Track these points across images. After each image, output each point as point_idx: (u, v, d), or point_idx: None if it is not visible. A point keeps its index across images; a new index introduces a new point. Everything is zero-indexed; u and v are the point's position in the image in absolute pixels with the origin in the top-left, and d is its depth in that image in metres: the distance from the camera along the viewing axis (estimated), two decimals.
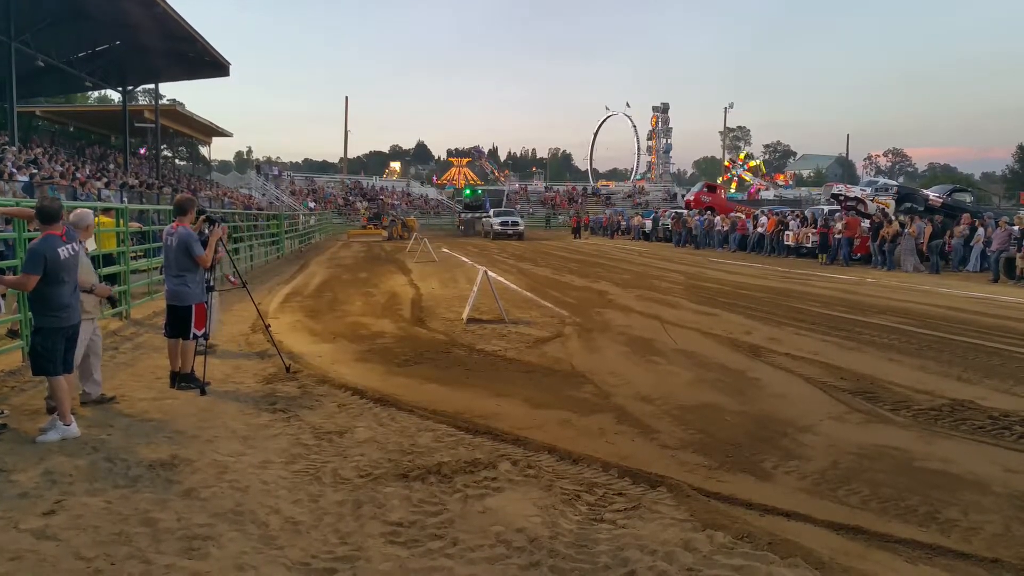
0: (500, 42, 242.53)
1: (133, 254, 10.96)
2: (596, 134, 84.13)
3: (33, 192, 16.76)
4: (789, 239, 25.23)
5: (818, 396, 6.35)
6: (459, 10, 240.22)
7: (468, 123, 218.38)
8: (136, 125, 37.45)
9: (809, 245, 24.00)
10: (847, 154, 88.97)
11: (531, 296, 12.80)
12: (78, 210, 6.44)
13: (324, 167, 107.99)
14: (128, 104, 37.42)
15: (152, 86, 37.75)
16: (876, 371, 7.20)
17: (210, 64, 33.00)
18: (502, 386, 6.63)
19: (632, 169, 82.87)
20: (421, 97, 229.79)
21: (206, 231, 7.04)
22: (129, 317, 9.78)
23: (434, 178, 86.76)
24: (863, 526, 3.74)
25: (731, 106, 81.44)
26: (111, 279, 9.41)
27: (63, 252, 5.02)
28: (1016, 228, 17.46)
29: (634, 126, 79.08)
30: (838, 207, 25.46)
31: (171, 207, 7.59)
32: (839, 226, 22.47)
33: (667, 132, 76.19)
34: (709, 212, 33.35)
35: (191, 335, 6.46)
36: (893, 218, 21.71)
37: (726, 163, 76.79)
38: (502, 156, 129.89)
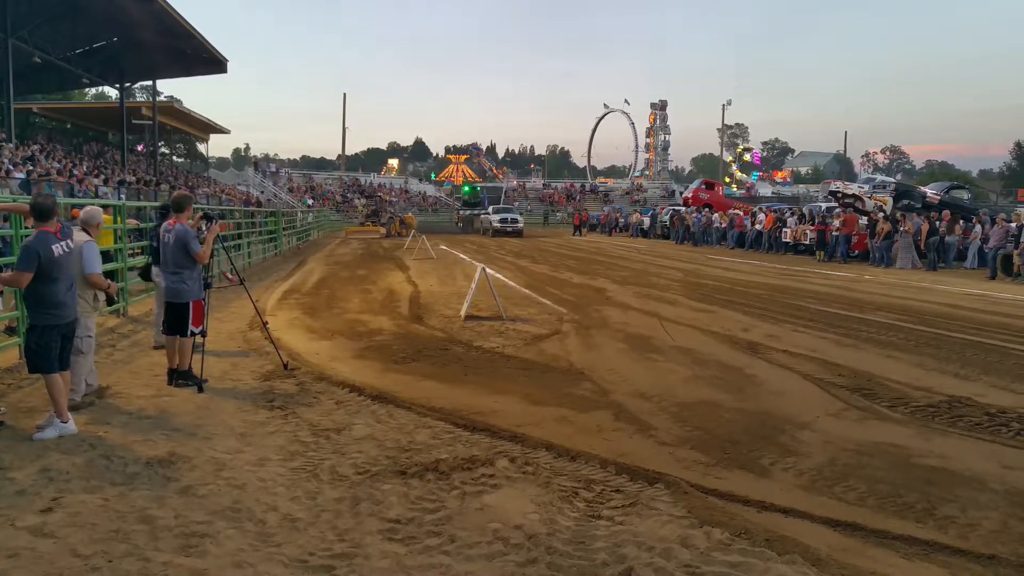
0: (499, 39, 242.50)
1: (130, 251, 10.93)
2: (594, 131, 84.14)
3: (30, 189, 16.70)
4: (787, 236, 25.26)
5: (816, 393, 6.36)
6: (458, 7, 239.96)
7: (466, 120, 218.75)
8: (134, 122, 37.35)
9: (807, 242, 24.03)
10: (845, 151, 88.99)
11: (529, 293, 12.79)
12: (88, 208, 6.44)
13: (322, 164, 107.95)
14: (126, 101, 37.31)
15: (150, 83, 37.71)
16: (874, 368, 7.21)
17: (208, 61, 32.95)
18: (500, 383, 6.63)
19: (630, 166, 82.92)
20: (419, 94, 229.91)
21: (204, 228, 7.03)
22: (127, 314, 9.76)
23: (432, 175, 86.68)
24: (860, 522, 3.75)
25: (729, 103, 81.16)
26: (109, 276, 9.37)
27: (57, 249, 5.00)
28: (1013, 225, 17.49)
29: (632, 123, 79.14)
30: (836, 204, 25.50)
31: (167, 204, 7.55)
32: (837, 223, 22.51)
33: (665, 129, 76.20)
34: (707, 209, 33.35)
35: (189, 332, 6.45)
36: (887, 214, 21.75)
37: (729, 160, 76.63)
38: (500, 153, 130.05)
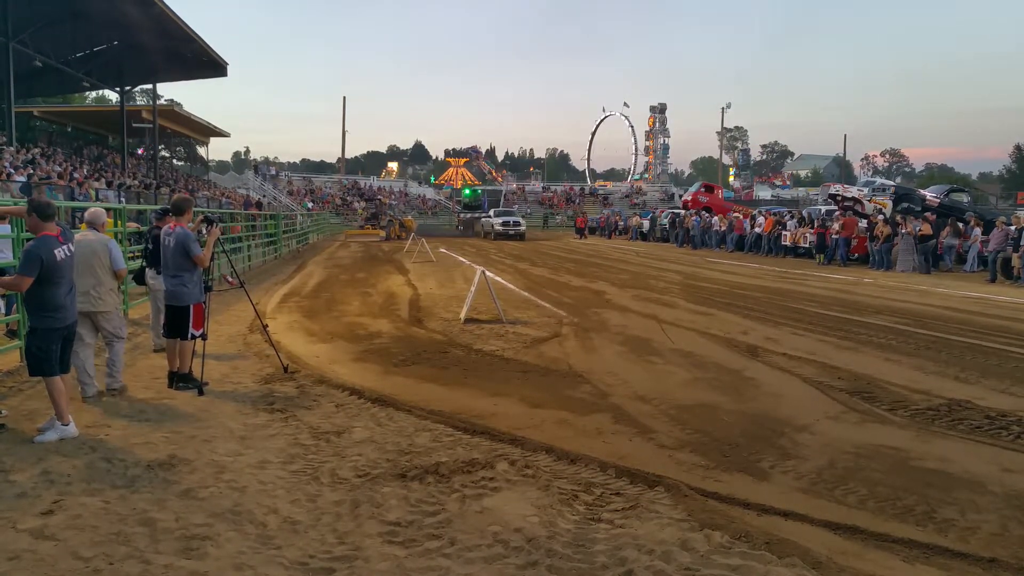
0: (499, 42, 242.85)
1: (131, 254, 10.94)
2: (594, 134, 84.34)
3: (31, 192, 16.72)
4: (786, 239, 25.27)
5: (815, 396, 6.37)
6: (458, 10, 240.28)
7: (466, 123, 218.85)
8: (134, 125, 37.39)
9: (806, 245, 24.04)
10: (844, 154, 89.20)
11: (529, 296, 12.80)
12: (92, 208, 6.60)
13: (322, 167, 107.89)
14: (126, 104, 37.34)
15: (150, 86, 37.73)
16: (873, 371, 7.22)
17: (208, 64, 32.98)
18: (500, 386, 6.64)
19: (630, 169, 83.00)
20: (419, 97, 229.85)
21: (204, 231, 7.04)
22: (127, 316, 9.75)
23: (432, 178, 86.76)
24: (860, 525, 3.75)
25: (728, 106, 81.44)
26: None
27: (59, 254, 5.01)
28: (1013, 228, 17.50)
29: (631, 126, 79.31)
30: (835, 207, 25.52)
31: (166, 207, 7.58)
32: (836, 226, 22.51)
33: (664, 132, 76.27)
34: (707, 212, 33.38)
35: (189, 335, 6.46)
36: (886, 217, 21.77)
37: (729, 165, 76.68)
38: (499, 156, 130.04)
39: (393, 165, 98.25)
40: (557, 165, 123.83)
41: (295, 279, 16.89)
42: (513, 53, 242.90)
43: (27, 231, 5.78)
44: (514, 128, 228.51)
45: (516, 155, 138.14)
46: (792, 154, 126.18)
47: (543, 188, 73.68)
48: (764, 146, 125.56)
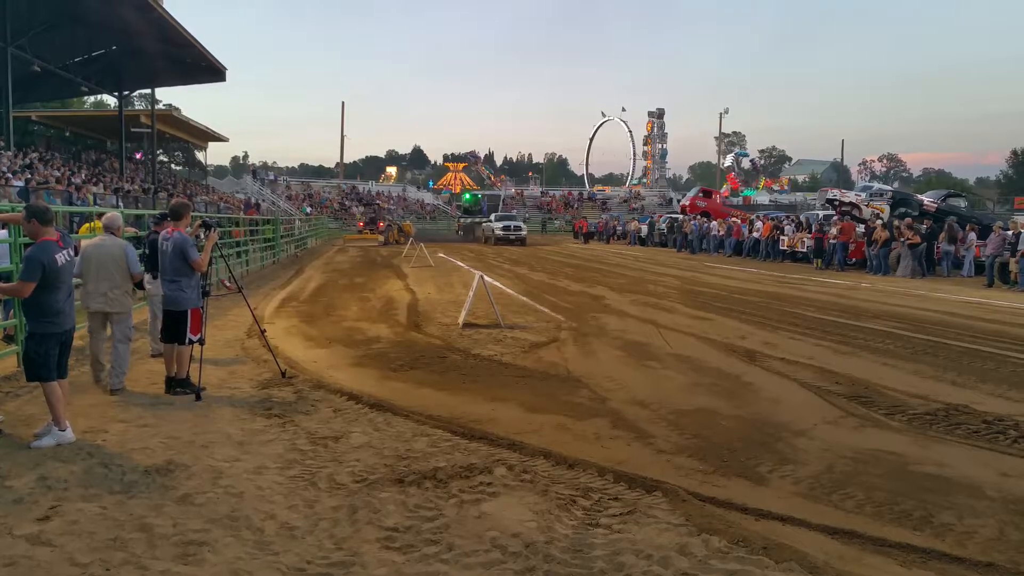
0: (498, 48, 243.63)
1: None
2: (592, 139, 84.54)
3: (29, 197, 16.73)
4: (784, 244, 25.32)
5: (813, 400, 6.37)
6: (457, 16, 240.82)
7: (465, 128, 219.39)
8: (132, 130, 37.40)
9: (804, 250, 24.09)
10: (842, 159, 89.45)
11: (527, 301, 12.81)
12: (109, 213, 6.99)
13: (320, 172, 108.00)
14: (124, 109, 37.38)
15: (148, 91, 37.82)
16: (871, 375, 7.23)
17: (206, 69, 33.04)
18: (498, 391, 6.63)
19: (628, 174, 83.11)
20: (418, 102, 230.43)
21: (202, 236, 7.03)
22: None
23: (430, 183, 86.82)
24: (858, 530, 3.75)
25: (726, 111, 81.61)
26: None
27: (60, 258, 5.02)
28: (1010, 233, 17.55)
29: (630, 131, 79.56)
30: (833, 212, 25.57)
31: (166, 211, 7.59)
32: (834, 231, 22.56)
33: (663, 137, 76.51)
34: (705, 217, 33.42)
35: (187, 340, 6.45)
36: (884, 222, 21.80)
37: (726, 170, 76.65)
38: (498, 161, 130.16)
39: (392, 170, 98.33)
40: (556, 170, 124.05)
41: (293, 284, 16.89)
42: (512, 58, 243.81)
43: (26, 237, 5.77)
44: (513, 133, 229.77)
45: (515, 160, 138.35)
46: (790, 159, 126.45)
47: (541, 193, 73.76)
48: (762, 151, 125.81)
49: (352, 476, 4.44)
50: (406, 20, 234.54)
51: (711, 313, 11.69)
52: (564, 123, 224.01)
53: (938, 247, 20.34)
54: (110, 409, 5.84)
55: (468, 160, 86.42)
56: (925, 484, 4.43)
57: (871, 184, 39.48)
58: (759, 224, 27.88)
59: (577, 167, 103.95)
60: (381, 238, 36.85)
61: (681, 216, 36.15)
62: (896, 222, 21.33)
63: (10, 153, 23.71)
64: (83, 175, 26.43)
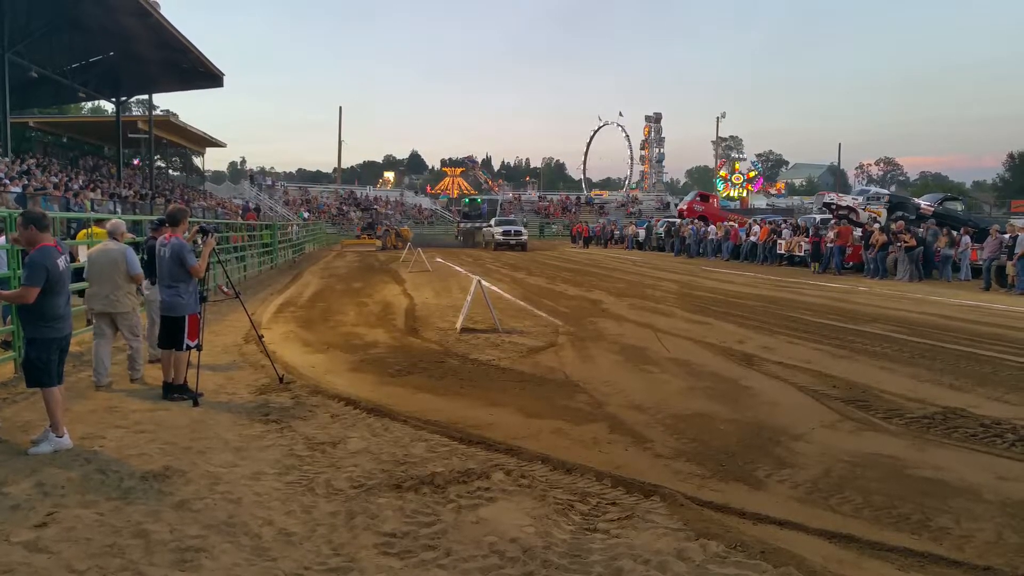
0: (495, 53, 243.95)
1: None
2: (589, 144, 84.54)
3: (26, 203, 16.71)
4: (782, 248, 25.36)
5: (811, 404, 6.38)
6: (455, 21, 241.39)
7: (462, 133, 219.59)
8: (130, 136, 37.34)
9: (801, 254, 24.12)
10: (839, 163, 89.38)
11: (525, 305, 12.81)
12: (113, 220, 7.37)
13: (318, 177, 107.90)
14: (122, 115, 37.29)
15: (146, 97, 37.77)
16: (868, 379, 7.24)
17: (204, 75, 32.99)
18: (496, 396, 6.63)
19: (625, 178, 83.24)
20: (416, 107, 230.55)
21: (199, 242, 7.04)
22: None
23: (428, 188, 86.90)
24: (856, 534, 3.76)
25: (723, 116, 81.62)
26: None
27: (61, 263, 5.03)
28: (1007, 236, 17.60)
29: (627, 136, 79.63)
30: (830, 216, 25.63)
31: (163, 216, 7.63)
32: (831, 235, 22.61)
33: (660, 141, 76.66)
34: (702, 221, 33.46)
35: (184, 346, 6.45)
36: (881, 226, 21.86)
37: (722, 173, 76.71)
38: (496, 166, 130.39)
39: (389, 175, 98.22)
40: (553, 174, 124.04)
41: (291, 289, 16.88)
42: (510, 64, 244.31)
43: (23, 245, 5.74)
44: (510, 138, 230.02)
45: (512, 164, 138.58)
46: (787, 163, 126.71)
47: (539, 197, 73.81)
48: (759, 155, 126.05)
49: (350, 481, 4.44)
50: (404, 26, 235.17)
51: (709, 317, 11.71)
52: (562, 128, 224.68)
53: (937, 251, 20.37)
54: (107, 415, 5.83)
55: (466, 165, 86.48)
56: (923, 488, 4.44)
57: (868, 188, 39.60)
58: (756, 228, 27.93)
59: (575, 172, 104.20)
60: (379, 243, 36.85)
61: (679, 220, 36.19)
62: (892, 225, 21.40)
63: (7, 159, 23.68)
64: (80, 181, 26.39)
